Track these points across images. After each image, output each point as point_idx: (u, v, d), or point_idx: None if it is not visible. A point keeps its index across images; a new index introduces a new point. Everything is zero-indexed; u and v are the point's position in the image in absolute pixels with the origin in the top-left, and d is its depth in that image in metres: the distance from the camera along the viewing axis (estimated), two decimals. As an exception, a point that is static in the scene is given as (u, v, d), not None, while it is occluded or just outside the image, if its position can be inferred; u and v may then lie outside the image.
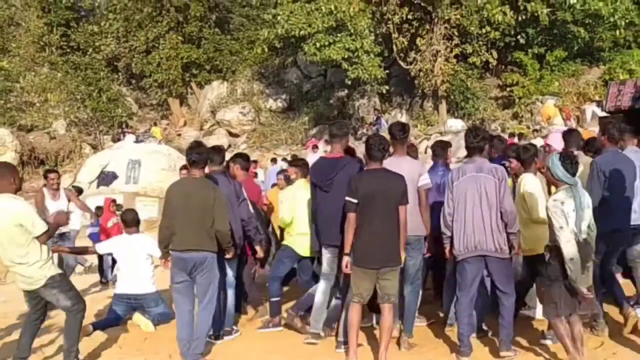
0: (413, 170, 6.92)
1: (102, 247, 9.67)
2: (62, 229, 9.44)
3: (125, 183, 24.13)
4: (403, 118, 28.16)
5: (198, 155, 7.08)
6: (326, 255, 7.28)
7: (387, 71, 26.82)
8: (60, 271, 6.77)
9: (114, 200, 15.79)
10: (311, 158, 14.41)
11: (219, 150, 8.28)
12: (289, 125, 30.35)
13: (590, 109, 25.70)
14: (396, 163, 6.86)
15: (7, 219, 6.32)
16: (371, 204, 6.41)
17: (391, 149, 7.15)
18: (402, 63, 27.28)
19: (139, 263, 8.76)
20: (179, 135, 31.87)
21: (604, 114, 12.47)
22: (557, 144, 8.62)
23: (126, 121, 31.96)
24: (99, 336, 8.06)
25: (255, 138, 29.60)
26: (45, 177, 10.97)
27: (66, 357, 6.73)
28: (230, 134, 30.20)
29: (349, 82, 26.36)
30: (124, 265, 8.93)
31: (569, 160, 5.96)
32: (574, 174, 5.93)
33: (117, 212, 14.16)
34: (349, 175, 6.92)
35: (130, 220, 9.20)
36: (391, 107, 29.88)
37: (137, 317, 8.43)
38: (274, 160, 21.85)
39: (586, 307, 6.07)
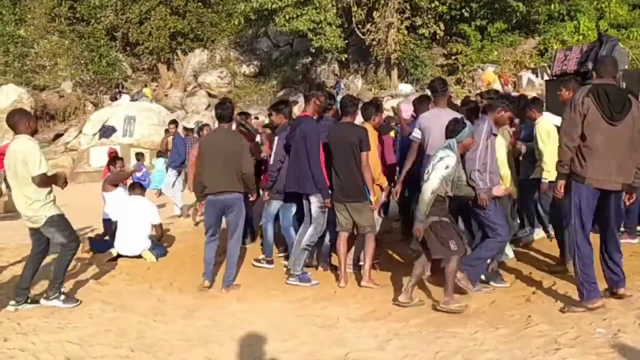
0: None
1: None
2: None
3: (123, 136, 23.19)
4: (359, 82, 27.00)
5: (228, 109, 6.70)
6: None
7: (347, 41, 25.11)
8: (59, 212, 6.20)
9: (114, 151, 15.28)
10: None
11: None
12: (260, 88, 28.58)
13: (526, 75, 23.82)
14: (437, 114, 6.25)
15: (17, 156, 5.87)
16: (336, 150, 6.35)
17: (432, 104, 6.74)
18: (359, 34, 25.54)
19: (136, 224, 8.03)
20: (166, 95, 30.18)
21: (547, 78, 9.51)
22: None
23: (122, 83, 30.53)
24: (108, 266, 7.85)
25: (231, 99, 25.86)
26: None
27: (51, 288, 6.25)
28: (210, 95, 28.47)
29: (313, 51, 24.67)
30: (124, 224, 8.13)
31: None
32: None
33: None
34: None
35: (137, 187, 8.76)
36: (349, 73, 28.04)
37: (145, 252, 8.11)
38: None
39: None
